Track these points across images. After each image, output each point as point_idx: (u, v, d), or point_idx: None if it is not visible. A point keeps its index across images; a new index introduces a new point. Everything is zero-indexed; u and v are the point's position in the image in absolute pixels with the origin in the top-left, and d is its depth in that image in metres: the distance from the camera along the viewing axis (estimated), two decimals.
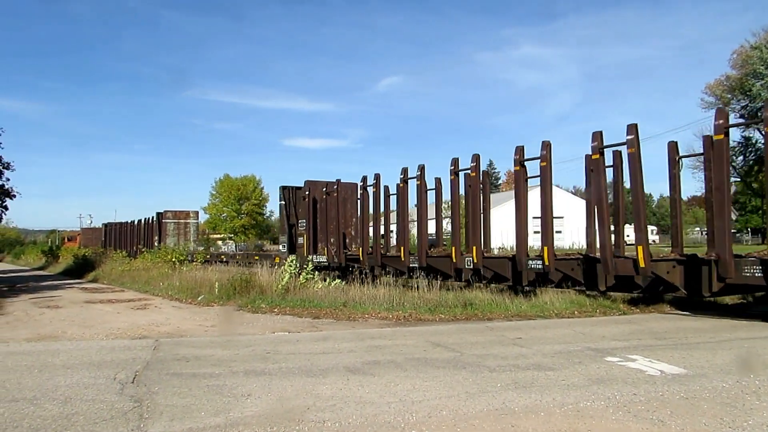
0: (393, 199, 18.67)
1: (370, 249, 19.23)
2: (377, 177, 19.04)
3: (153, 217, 40.49)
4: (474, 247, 15.08)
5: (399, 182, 17.70)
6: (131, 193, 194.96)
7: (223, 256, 31.09)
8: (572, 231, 60.63)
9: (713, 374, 6.82)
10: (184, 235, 40.10)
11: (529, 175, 14.92)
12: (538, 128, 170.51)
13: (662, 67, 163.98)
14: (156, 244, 37.84)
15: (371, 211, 19.81)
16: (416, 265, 17.01)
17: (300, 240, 21.83)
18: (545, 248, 13.38)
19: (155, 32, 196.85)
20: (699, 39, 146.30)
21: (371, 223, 19.98)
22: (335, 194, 20.67)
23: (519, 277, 14.50)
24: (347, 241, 21.46)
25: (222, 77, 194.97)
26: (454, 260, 15.63)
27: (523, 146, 14.39)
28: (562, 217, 62.08)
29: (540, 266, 13.46)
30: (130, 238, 43.33)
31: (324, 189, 21.66)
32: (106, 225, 52.72)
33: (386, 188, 19.06)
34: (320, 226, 21.60)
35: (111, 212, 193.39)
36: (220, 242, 65.03)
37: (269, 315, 13.08)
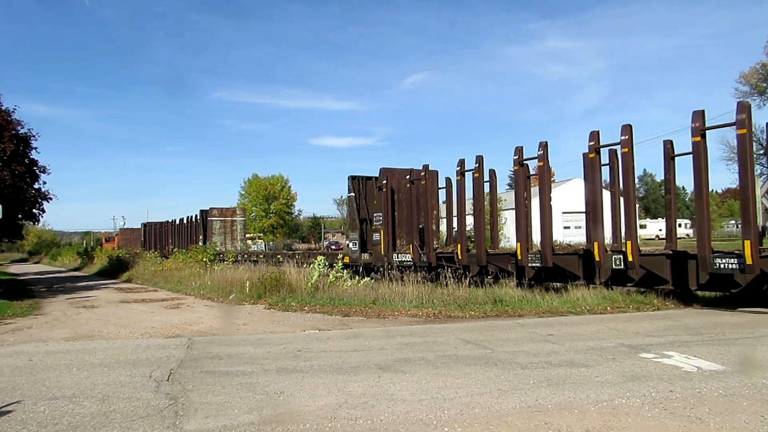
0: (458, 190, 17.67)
1: (469, 246, 17.43)
2: (479, 160, 16.69)
3: (196, 216, 38.72)
4: (629, 243, 12.99)
5: (513, 166, 16.23)
6: (163, 195, 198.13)
7: (279, 255, 27.59)
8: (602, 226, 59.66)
9: (753, 371, 6.66)
10: (231, 234, 38.30)
11: (531, 173, 15.98)
12: (566, 122, 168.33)
13: (694, 56, 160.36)
14: (201, 243, 36.20)
15: (451, 203, 18.70)
16: (538, 265, 14.90)
17: (375, 236, 19.55)
18: (629, 243, 12.85)
19: (184, 35, 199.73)
20: (732, 27, 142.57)
21: (455, 215, 18.31)
22: (422, 182, 18.55)
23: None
24: (430, 237, 18.63)
25: (250, 78, 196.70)
26: (597, 258, 13.48)
27: (749, 103, 12.47)
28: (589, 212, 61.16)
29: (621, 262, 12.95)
30: (173, 238, 41.93)
31: (407, 177, 19.45)
32: (145, 225, 51.70)
33: (492, 173, 17.54)
34: (398, 220, 19.61)
35: (143, 214, 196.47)
36: (249, 242, 65.65)
37: (299, 313, 13.17)
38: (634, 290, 13.63)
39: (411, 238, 18.91)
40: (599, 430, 4.70)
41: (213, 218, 37.81)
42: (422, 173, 18.46)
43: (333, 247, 53.31)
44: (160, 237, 45.20)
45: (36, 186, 21.60)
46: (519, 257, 15.21)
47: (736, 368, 6.78)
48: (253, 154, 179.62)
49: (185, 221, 40.06)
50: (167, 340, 9.71)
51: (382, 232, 19.25)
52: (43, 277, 35.38)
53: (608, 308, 12.43)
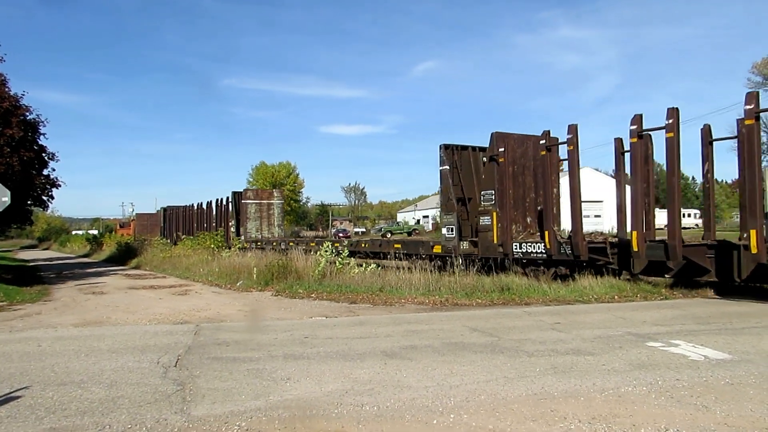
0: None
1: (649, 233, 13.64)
2: (573, 129, 13.89)
3: (227, 198, 34.22)
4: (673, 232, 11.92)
5: (540, 151, 14.70)
6: (172, 182, 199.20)
7: (291, 242, 26.14)
8: (611, 215, 59.50)
9: (759, 360, 6.63)
10: (267, 219, 33.92)
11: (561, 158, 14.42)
12: (577, 112, 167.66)
13: (707, 46, 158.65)
14: (233, 230, 33.15)
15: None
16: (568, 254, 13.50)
17: (484, 220, 16.03)
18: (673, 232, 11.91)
19: (194, 23, 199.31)
20: (745, 17, 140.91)
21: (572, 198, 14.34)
22: (542, 152, 14.90)
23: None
24: (550, 222, 15.21)
25: (260, 66, 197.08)
26: (636, 248, 12.47)
27: (758, 92, 11.94)
28: (601, 201, 60.95)
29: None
30: (198, 224, 37.81)
31: (525, 145, 16.09)
32: (165, 209, 47.82)
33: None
34: (514, 199, 15.94)
35: (152, 200, 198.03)
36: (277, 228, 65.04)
37: (306, 300, 13.21)
38: (642, 279, 13.57)
39: (526, 222, 15.97)
40: (605, 418, 4.70)
41: (248, 201, 33.55)
42: (542, 141, 14.92)
43: (340, 234, 53.21)
44: (183, 223, 41.21)
45: (45, 172, 21.72)
46: (548, 246, 14.13)
47: (743, 357, 6.76)
48: (263, 142, 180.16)
49: (215, 205, 35.91)
50: (175, 327, 9.77)
51: (494, 214, 15.68)
52: (52, 263, 35.66)
53: (616, 297, 12.40)
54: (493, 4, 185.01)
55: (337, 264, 16.53)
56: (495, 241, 15.69)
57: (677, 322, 9.26)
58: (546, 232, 14.35)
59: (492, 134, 16.06)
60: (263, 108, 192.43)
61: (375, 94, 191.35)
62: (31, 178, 20.26)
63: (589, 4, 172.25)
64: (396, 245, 19.98)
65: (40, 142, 21.04)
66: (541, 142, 12.66)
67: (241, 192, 33.94)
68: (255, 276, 16.56)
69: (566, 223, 15.14)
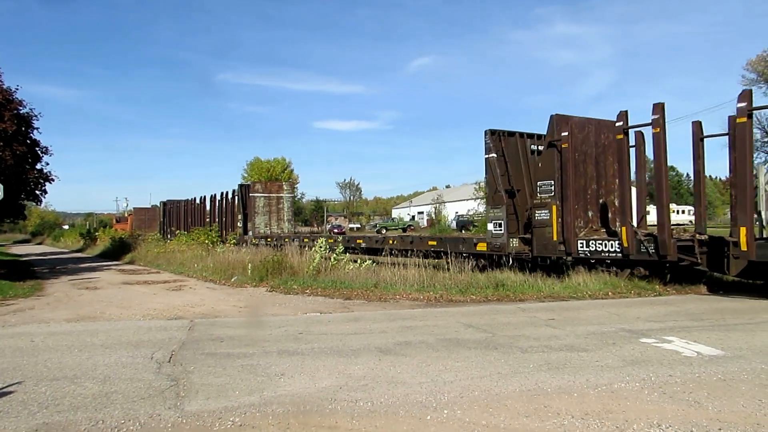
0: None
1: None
2: (659, 109, 12.40)
3: (232, 192, 32.64)
4: (743, 229, 11.27)
5: (616, 135, 13.27)
6: (166, 177, 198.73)
7: (287, 238, 25.04)
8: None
9: (752, 356, 6.67)
10: (277, 213, 31.81)
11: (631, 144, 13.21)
12: (573, 108, 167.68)
13: (703, 43, 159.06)
14: (240, 225, 31.48)
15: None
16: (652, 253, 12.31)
17: (541, 214, 14.43)
18: (743, 229, 11.19)
19: (190, 17, 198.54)
20: (741, 14, 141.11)
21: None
22: (619, 135, 13.29)
23: None
24: (610, 216, 14.78)
25: (255, 61, 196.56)
26: (745, 248, 11.28)
27: (750, 90, 11.88)
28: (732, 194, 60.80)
29: None
30: (201, 219, 36.39)
31: (587, 129, 14.34)
32: (165, 203, 46.07)
33: (639, 135, 13.28)
34: (575, 191, 14.16)
35: (146, 196, 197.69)
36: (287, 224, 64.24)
37: (301, 296, 13.21)
38: (636, 276, 13.60)
39: (588, 217, 14.34)
40: (598, 414, 4.72)
41: (256, 194, 31.28)
42: (618, 123, 13.22)
43: (335, 230, 52.97)
44: (185, 217, 39.61)
45: (38, 167, 21.55)
46: (626, 244, 12.67)
47: (736, 353, 6.79)
48: (258, 137, 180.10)
49: (221, 198, 34.46)
50: (169, 322, 9.75)
51: (554, 208, 14.11)
52: (45, 258, 35.51)
53: (610, 293, 12.43)
54: (489, 0, 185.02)
55: (332, 260, 16.53)
56: (554, 238, 14.07)
57: (670, 319, 9.30)
58: (623, 229, 12.86)
59: (552, 117, 14.37)
60: (259, 103, 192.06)
61: (370, 90, 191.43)
62: (24, 172, 20.11)
63: (585, 1, 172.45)
64: (430, 242, 18.38)
65: (33, 137, 20.88)
66: (618, 124, 11.96)
67: (248, 185, 32.17)
68: (250, 272, 16.53)
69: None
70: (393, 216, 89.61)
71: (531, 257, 14.97)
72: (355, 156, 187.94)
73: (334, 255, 16.83)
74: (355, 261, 16.84)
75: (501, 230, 15.44)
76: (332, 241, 20.55)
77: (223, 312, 10.99)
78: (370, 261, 16.72)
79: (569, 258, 14.10)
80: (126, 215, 71.93)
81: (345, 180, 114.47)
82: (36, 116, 20.77)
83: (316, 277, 15.23)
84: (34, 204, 25.46)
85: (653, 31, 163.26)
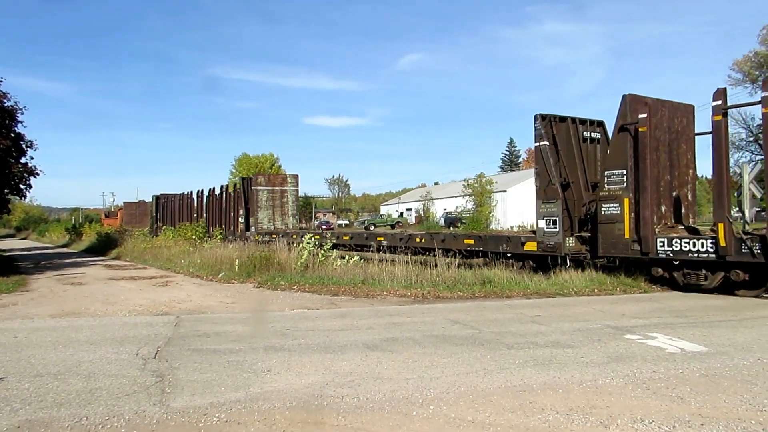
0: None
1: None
2: (721, 95, 11.43)
3: (235, 186, 31.31)
4: None
5: (713, 116, 11.47)
6: (153, 172, 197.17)
7: (274, 234, 24.38)
8: None
9: (734, 352, 6.74)
10: (281, 208, 29.95)
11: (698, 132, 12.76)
12: (561, 106, 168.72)
13: (690, 43, 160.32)
14: (242, 220, 29.85)
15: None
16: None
17: (609, 209, 12.87)
18: None
19: (179, 11, 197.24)
20: (728, 15, 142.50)
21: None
22: (682, 119, 12.58)
23: None
24: (683, 211, 13.44)
25: (245, 56, 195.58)
26: None
27: (725, 88, 11.49)
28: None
29: None
30: (198, 213, 34.97)
31: (662, 113, 12.87)
32: (158, 197, 43.53)
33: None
34: (653, 181, 12.55)
35: (133, 191, 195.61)
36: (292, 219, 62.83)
37: (288, 292, 13.18)
38: (622, 273, 13.70)
39: (661, 212, 12.87)
40: (582, 409, 4.75)
41: (259, 187, 29.43)
42: (715, 102, 11.51)
43: (324, 226, 52.82)
44: (179, 212, 37.71)
45: (22, 161, 21.38)
46: (722, 243, 11.08)
47: (719, 350, 6.87)
48: (248, 133, 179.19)
49: (220, 192, 32.79)
50: (155, 318, 9.70)
51: (626, 201, 12.60)
52: (30, 253, 35.15)
53: (596, 290, 12.52)
54: None
55: (320, 256, 16.51)
56: (626, 236, 12.60)
57: (655, 315, 9.39)
58: (720, 225, 11.17)
59: (624, 96, 12.82)
60: (248, 98, 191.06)
61: (361, 86, 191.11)
62: (8, 166, 19.93)
63: (575, 0, 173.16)
64: (467, 240, 16.83)
65: (17, 130, 20.69)
66: (715, 103, 10.70)
67: (250, 178, 30.52)
68: (237, 268, 16.47)
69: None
70: (381, 212, 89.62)
71: (590, 258, 13.80)
72: (344, 152, 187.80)
73: (322, 251, 16.82)
74: (343, 257, 16.84)
75: (555, 228, 13.89)
76: (318, 236, 20.26)
77: (210, 308, 10.94)
78: (358, 257, 16.73)
79: (645, 258, 12.59)
80: (115, 210, 69.64)
81: (334, 176, 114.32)
82: (21, 110, 20.58)
83: (304, 273, 15.20)
84: (19, 198, 25.24)
85: (641, 31, 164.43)
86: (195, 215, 35.21)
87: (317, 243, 17.62)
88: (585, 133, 15.20)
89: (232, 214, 31.55)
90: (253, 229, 28.89)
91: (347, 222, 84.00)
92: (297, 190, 31.31)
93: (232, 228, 31.47)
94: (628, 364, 6.22)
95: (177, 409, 4.81)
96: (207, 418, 4.62)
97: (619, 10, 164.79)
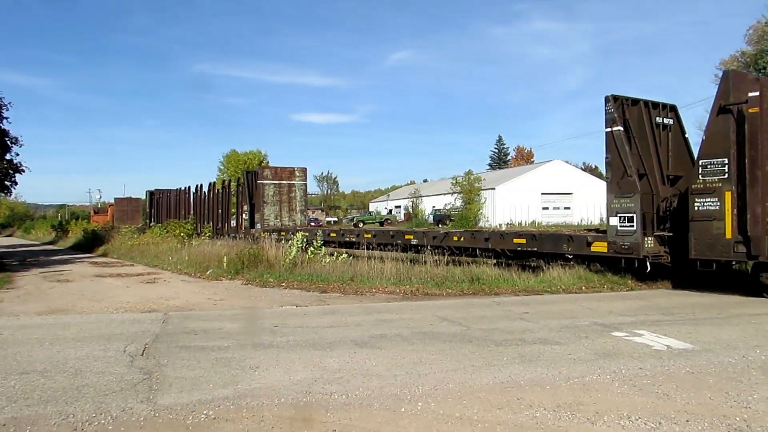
0: None
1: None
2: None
3: (238, 180, 29.85)
4: None
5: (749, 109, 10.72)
6: (140, 169, 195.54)
7: (264, 233, 22.96)
8: (581, 207, 60.43)
9: (720, 349, 6.82)
10: (288, 203, 27.94)
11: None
12: (549, 104, 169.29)
13: (677, 42, 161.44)
14: (246, 216, 28.33)
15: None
16: None
17: (705, 204, 11.30)
18: None
19: (166, 6, 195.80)
20: (715, 14, 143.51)
21: None
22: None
23: None
24: None
25: (233, 52, 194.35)
26: None
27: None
28: (570, 194, 61.85)
29: None
30: (197, 210, 33.28)
31: (765, 93, 10.88)
32: (152, 193, 41.98)
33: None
34: (762, 170, 10.89)
35: (120, 187, 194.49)
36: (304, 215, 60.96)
37: (277, 289, 13.15)
38: (609, 270, 13.79)
39: (765, 207, 10.90)
40: (570, 406, 4.79)
41: (265, 181, 27.50)
42: None
43: (312, 223, 52.68)
44: (176, 208, 35.88)
45: (7, 157, 21.15)
46: None
47: (704, 347, 6.94)
48: (235, 129, 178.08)
49: (223, 187, 31.37)
50: (142, 315, 9.65)
51: (727, 195, 10.99)
52: (15, 250, 34.79)
53: (583, 288, 12.60)
54: None
55: (309, 253, 16.48)
56: (727, 236, 10.92)
57: (642, 313, 9.46)
58: None
59: (726, 73, 11.61)
60: (236, 95, 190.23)
61: (349, 83, 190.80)
62: None
63: None
64: (517, 240, 15.33)
65: (2, 126, 20.49)
66: None
67: (256, 171, 28.62)
68: (225, 265, 16.41)
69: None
70: (370, 210, 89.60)
71: (671, 261, 12.39)
72: (332, 149, 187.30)
73: (311, 248, 16.79)
74: (332, 254, 16.82)
75: (632, 226, 12.32)
76: (334, 234, 20.24)
77: (198, 305, 10.90)
78: (346, 254, 16.71)
79: (752, 261, 11.15)
80: (104, 206, 67.45)
81: (322, 173, 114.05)
82: (5, 106, 20.38)
83: (293, 270, 15.17)
84: (4, 195, 24.95)
85: (629, 30, 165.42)
86: (192, 212, 33.67)
87: (306, 240, 17.60)
88: (657, 118, 13.72)
89: (220, 210, 30.83)
90: (258, 225, 26.96)
91: (336, 219, 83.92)
92: (305, 185, 28.88)
93: (220, 225, 30.89)
94: (615, 361, 6.26)
95: (164, 406, 4.79)
96: (195, 415, 4.60)
97: (605, 10, 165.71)
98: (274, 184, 27.69)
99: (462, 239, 16.80)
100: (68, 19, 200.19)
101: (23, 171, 21.75)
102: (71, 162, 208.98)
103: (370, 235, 19.97)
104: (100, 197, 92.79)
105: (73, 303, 11.20)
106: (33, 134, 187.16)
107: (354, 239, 20.97)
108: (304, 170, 28.66)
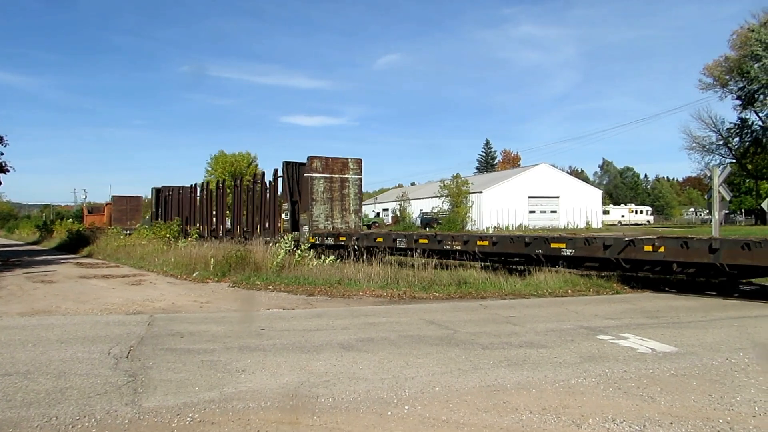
0: None
1: None
2: None
3: (276, 172, 23.73)
4: None
5: None
6: (128, 169, 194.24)
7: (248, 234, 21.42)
8: (567, 211, 60.84)
9: (703, 352, 6.88)
10: (341, 202, 22.54)
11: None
12: (536, 108, 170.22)
13: (663, 47, 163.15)
14: (285, 217, 23.28)
15: None
16: None
17: None
18: None
19: (154, 6, 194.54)
20: (700, 20, 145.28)
21: None
22: None
23: None
24: None
25: (221, 53, 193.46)
26: None
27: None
28: (557, 197, 62.23)
29: None
30: (219, 210, 28.66)
31: None
32: (158, 190, 36.71)
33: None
34: None
35: (106, 188, 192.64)
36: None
37: (264, 292, 13.11)
38: (594, 274, 13.89)
39: None
40: (555, 409, 4.81)
41: (314, 174, 22.12)
42: None
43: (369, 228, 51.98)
44: (191, 209, 31.34)
45: None
46: None
47: (688, 350, 7.00)
48: (224, 130, 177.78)
49: (253, 182, 26.03)
50: (128, 317, 9.57)
51: None
52: None
53: (569, 291, 12.67)
54: None
55: (296, 256, 16.44)
56: None
57: (627, 316, 9.53)
58: None
59: None
60: (225, 96, 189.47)
61: (338, 86, 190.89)
62: None
63: (551, 2, 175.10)
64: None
65: None
66: None
67: (303, 164, 22.74)
68: (212, 267, 16.32)
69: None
70: None
71: None
72: (320, 152, 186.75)
73: (299, 251, 16.75)
74: (319, 257, 16.79)
75: None
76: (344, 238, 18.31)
77: (184, 307, 10.83)
78: (333, 257, 16.68)
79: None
80: (102, 205, 62.58)
81: None
82: None
83: (280, 273, 15.13)
84: None
85: (615, 35, 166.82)
86: (214, 213, 28.87)
87: (294, 243, 17.54)
88: None
89: (269, 210, 25.41)
90: (305, 228, 21.79)
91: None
92: (360, 179, 23.53)
93: (207, 227, 29.60)
94: (600, 364, 6.31)
95: (149, 409, 4.76)
96: (180, 418, 4.57)
97: (591, 15, 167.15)
98: (325, 178, 22.47)
99: (575, 248, 13.34)
100: (56, 17, 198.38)
101: (8, 170, 21.58)
102: (57, 161, 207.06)
103: (426, 241, 16.84)
104: (86, 197, 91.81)
105: (58, 304, 11.09)
106: (18, 133, 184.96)
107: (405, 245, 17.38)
108: (359, 162, 23.35)
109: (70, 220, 53.56)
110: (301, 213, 22.39)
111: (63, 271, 18.97)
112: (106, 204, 56.75)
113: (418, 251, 16.06)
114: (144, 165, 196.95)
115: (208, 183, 33.06)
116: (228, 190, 29.54)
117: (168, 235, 26.34)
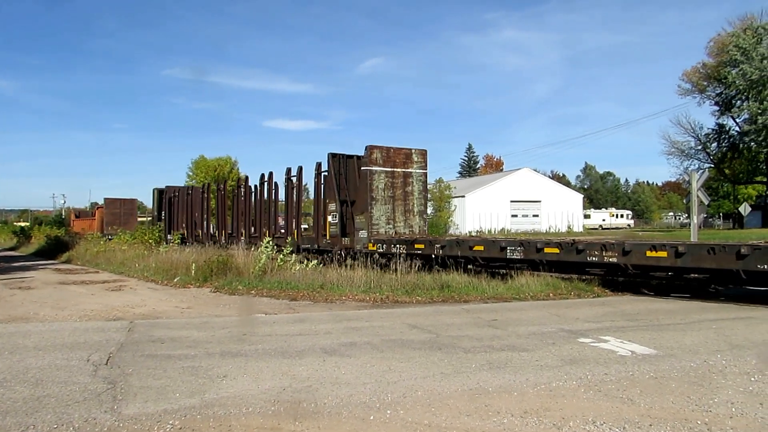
0: None
1: None
2: None
3: (317, 165, 19.43)
4: None
5: None
6: (108, 174, 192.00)
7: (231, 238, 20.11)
8: (549, 215, 61.29)
9: (682, 354, 6.97)
10: (404, 202, 18.43)
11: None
12: (518, 114, 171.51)
13: (643, 53, 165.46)
14: (333, 220, 18.63)
15: None
16: None
17: None
18: None
19: (134, 9, 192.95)
20: (679, 27, 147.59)
21: None
22: None
23: None
24: None
25: (202, 56, 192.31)
26: None
27: None
28: (539, 201, 62.69)
29: None
30: (246, 216, 24.39)
31: None
32: (160, 191, 31.88)
33: None
34: None
35: (85, 193, 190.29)
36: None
37: (246, 297, 13.03)
38: (576, 277, 14.00)
39: None
40: (537, 412, 4.84)
41: (374, 168, 17.87)
42: None
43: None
44: (207, 212, 27.84)
45: None
46: None
47: (667, 352, 7.09)
48: (205, 135, 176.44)
49: (293, 176, 21.23)
50: (107, 323, 9.46)
51: None
52: None
53: (551, 294, 12.75)
54: (438, 3, 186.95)
55: (279, 261, 16.37)
56: None
57: (607, 319, 9.62)
58: None
59: None
60: (206, 99, 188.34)
61: (320, 89, 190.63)
62: None
63: (533, 8, 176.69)
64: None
65: None
66: None
67: (348, 156, 18.93)
68: (193, 272, 16.18)
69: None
70: None
71: None
72: (304, 156, 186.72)
73: (281, 256, 16.68)
74: (302, 261, 16.72)
75: None
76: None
77: (165, 313, 10.73)
78: (316, 261, 16.63)
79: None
80: (92, 209, 57.50)
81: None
82: None
83: (262, 277, 15.04)
84: None
85: (596, 40, 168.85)
86: (240, 217, 24.87)
87: (275, 247, 17.45)
88: None
89: (319, 211, 19.90)
90: (363, 234, 17.90)
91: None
92: (425, 174, 19.36)
93: (192, 231, 28.26)
94: (581, 367, 6.36)
95: (129, 416, 4.71)
96: (160, 425, 4.53)
97: (573, 20, 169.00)
98: (386, 172, 18.25)
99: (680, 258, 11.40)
100: (34, 20, 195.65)
101: None
102: (35, 166, 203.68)
103: (481, 248, 14.58)
104: (65, 202, 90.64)
105: (35, 311, 10.93)
106: None
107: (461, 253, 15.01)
108: (423, 153, 19.15)
109: (49, 226, 52.31)
110: (357, 215, 18.34)
111: (41, 277, 18.70)
112: (97, 207, 52.47)
113: (545, 264, 13.33)
114: (126, 169, 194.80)
115: (193, 187, 32.13)
116: (212, 195, 28.19)
117: (149, 240, 26.12)
